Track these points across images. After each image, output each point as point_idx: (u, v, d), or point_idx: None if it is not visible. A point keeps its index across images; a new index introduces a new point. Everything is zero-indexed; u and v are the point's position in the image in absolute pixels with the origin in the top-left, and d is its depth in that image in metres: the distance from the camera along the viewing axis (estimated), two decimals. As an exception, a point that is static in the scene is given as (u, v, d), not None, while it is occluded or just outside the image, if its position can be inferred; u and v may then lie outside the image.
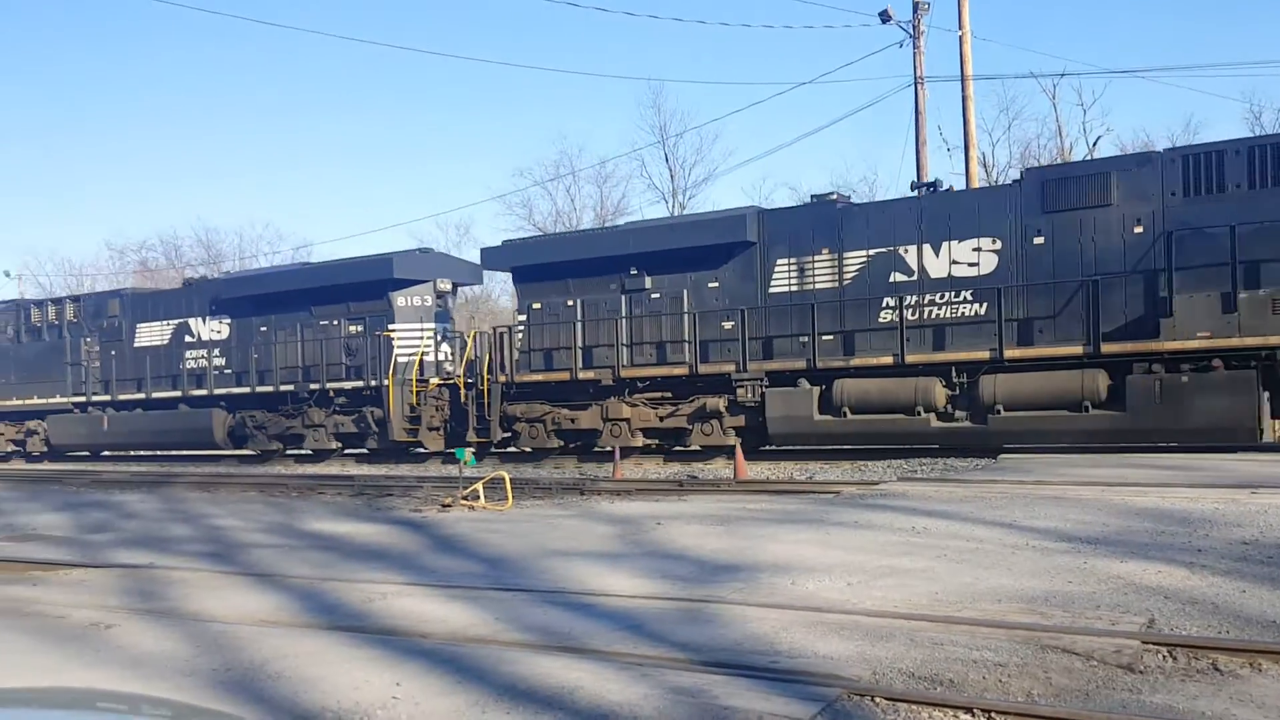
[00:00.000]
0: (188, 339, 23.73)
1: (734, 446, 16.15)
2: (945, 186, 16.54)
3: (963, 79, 22.30)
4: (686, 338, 17.21)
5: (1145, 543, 7.81)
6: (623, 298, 18.04)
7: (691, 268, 17.30)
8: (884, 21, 23.09)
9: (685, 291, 17.48)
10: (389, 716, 4.41)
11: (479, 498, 12.58)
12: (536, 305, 19.03)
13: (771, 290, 16.73)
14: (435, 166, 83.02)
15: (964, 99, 22.33)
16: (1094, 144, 36.97)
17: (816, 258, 16.30)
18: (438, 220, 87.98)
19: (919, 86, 22.76)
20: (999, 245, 14.96)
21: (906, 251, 15.60)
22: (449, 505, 12.54)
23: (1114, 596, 6.20)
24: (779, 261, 16.66)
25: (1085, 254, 14.37)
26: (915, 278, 15.50)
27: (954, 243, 15.27)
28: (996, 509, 9.64)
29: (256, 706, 4.56)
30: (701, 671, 4.91)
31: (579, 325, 18.30)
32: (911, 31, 22.98)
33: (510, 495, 12.69)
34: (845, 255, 16.05)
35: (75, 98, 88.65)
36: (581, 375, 18.11)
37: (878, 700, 4.46)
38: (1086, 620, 5.62)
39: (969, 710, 4.33)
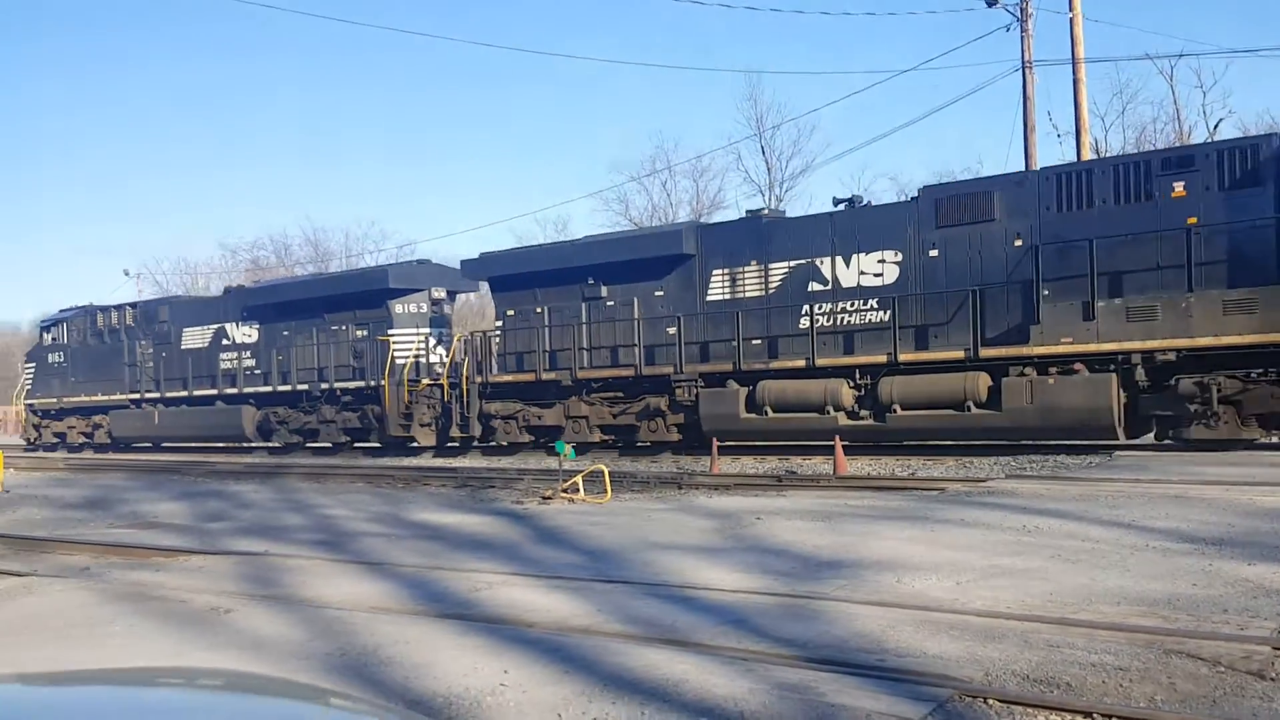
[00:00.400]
0: (224, 342, 26.10)
1: (671, 442, 17.90)
2: (864, 202, 17.67)
3: (1074, 62, 21.53)
4: (634, 342, 18.75)
5: (1275, 544, 7.43)
6: (583, 305, 19.58)
7: (641, 278, 18.76)
8: (990, 5, 22.45)
9: (636, 299, 18.96)
10: (498, 703, 4.47)
11: (579, 490, 12.70)
12: (510, 312, 20.70)
13: (708, 298, 18.16)
14: (534, 164, 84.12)
15: (1075, 83, 21.56)
16: (1215, 127, 35.37)
17: (746, 269, 17.76)
18: (536, 217, 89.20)
19: (1027, 71, 22.06)
20: (900, 257, 16.23)
21: (822, 263, 16.95)
22: (550, 498, 12.69)
23: (1242, 600, 5.91)
24: (715, 272, 18.09)
25: (973, 265, 15.54)
26: (829, 287, 16.86)
27: (862, 255, 16.58)
28: (1113, 508, 9.29)
29: (370, 690, 4.67)
30: (807, 668, 4.85)
31: (546, 331, 19.88)
32: (1019, 14, 22.28)
33: (609, 488, 12.77)
34: (770, 266, 17.47)
35: (189, 100, 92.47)
36: (545, 376, 19.77)
37: (991, 702, 4.34)
38: (1213, 625, 5.37)
39: (1088, 715, 4.17)
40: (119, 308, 29.03)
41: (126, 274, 66.20)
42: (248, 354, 25.47)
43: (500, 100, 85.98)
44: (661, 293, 18.60)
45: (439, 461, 20.88)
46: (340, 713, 1.85)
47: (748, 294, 17.63)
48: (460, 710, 4.38)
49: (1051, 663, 4.82)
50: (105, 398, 28.52)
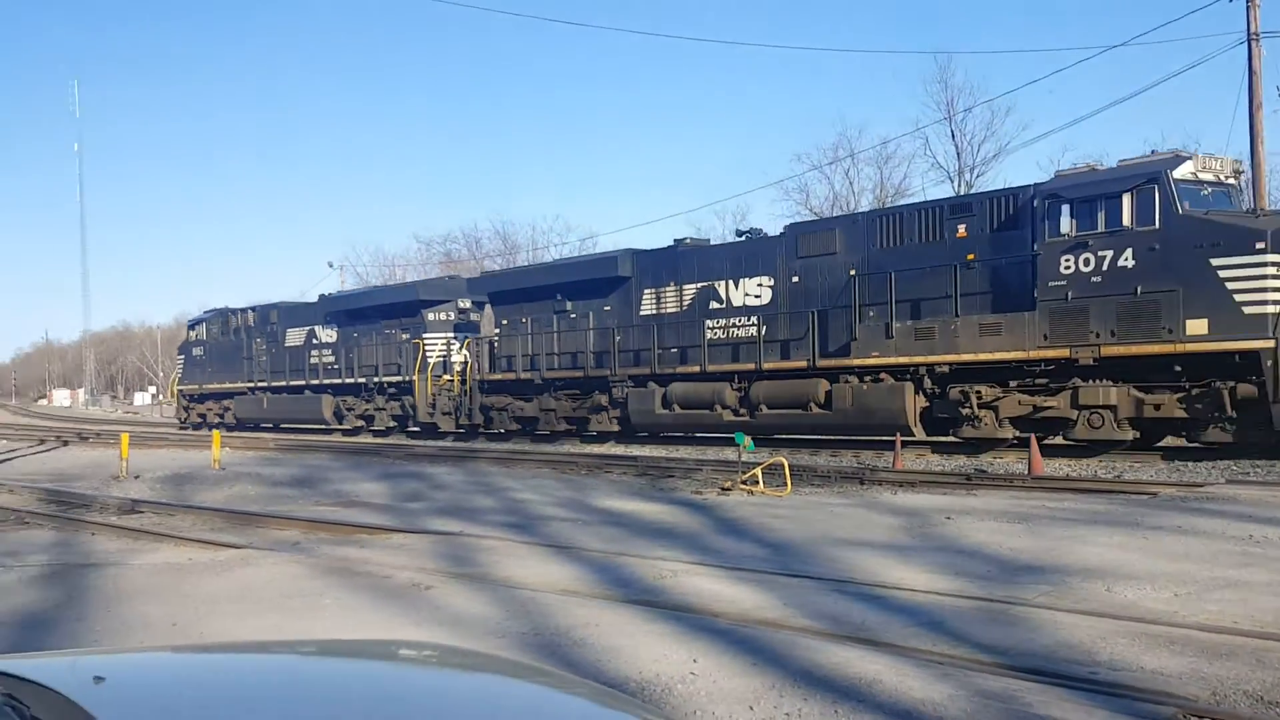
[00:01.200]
0: (314, 341, 30.97)
1: (613, 432, 21.87)
2: (760, 233, 20.39)
3: (1306, 32, 19.64)
4: (586, 349, 22.34)
5: None
6: (554, 317, 23.28)
7: (593, 295, 22.37)
8: (1209, -26, 20.78)
9: (591, 313, 22.44)
10: (689, 692, 4.47)
11: (758, 483, 12.60)
12: (504, 322, 24.72)
13: (641, 313, 21.43)
14: (715, 154, 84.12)
15: (1307, 55, 19.68)
16: None
17: (667, 289, 20.98)
18: (715, 208, 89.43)
19: (1253, 44, 20.27)
20: (773, 282, 19.12)
21: (720, 285, 20.00)
22: (728, 489, 12.66)
23: None
24: (645, 291, 21.39)
25: (822, 290, 18.34)
26: (724, 305, 19.89)
27: (747, 279, 19.55)
28: (1353, 520, 8.43)
29: (565, 671, 4.76)
30: (1010, 676, 4.61)
31: (528, 338, 23.81)
32: (1244, -18, 20.50)
33: (789, 481, 12.62)
34: (684, 287, 20.63)
35: (390, 108, 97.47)
36: (523, 376, 23.78)
37: (1220, 724, 4.00)
38: None
39: (1337, 746, 3.79)
40: (243, 310, 34.28)
41: (330, 265, 70.61)
42: (328, 352, 30.20)
43: (681, 92, 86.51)
44: (608, 308, 22.06)
45: (619, 449, 21.26)
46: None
47: (667, 310, 20.93)
48: (652, 696, 4.40)
49: (1290, 686, 4.40)
50: (230, 385, 34.01)
